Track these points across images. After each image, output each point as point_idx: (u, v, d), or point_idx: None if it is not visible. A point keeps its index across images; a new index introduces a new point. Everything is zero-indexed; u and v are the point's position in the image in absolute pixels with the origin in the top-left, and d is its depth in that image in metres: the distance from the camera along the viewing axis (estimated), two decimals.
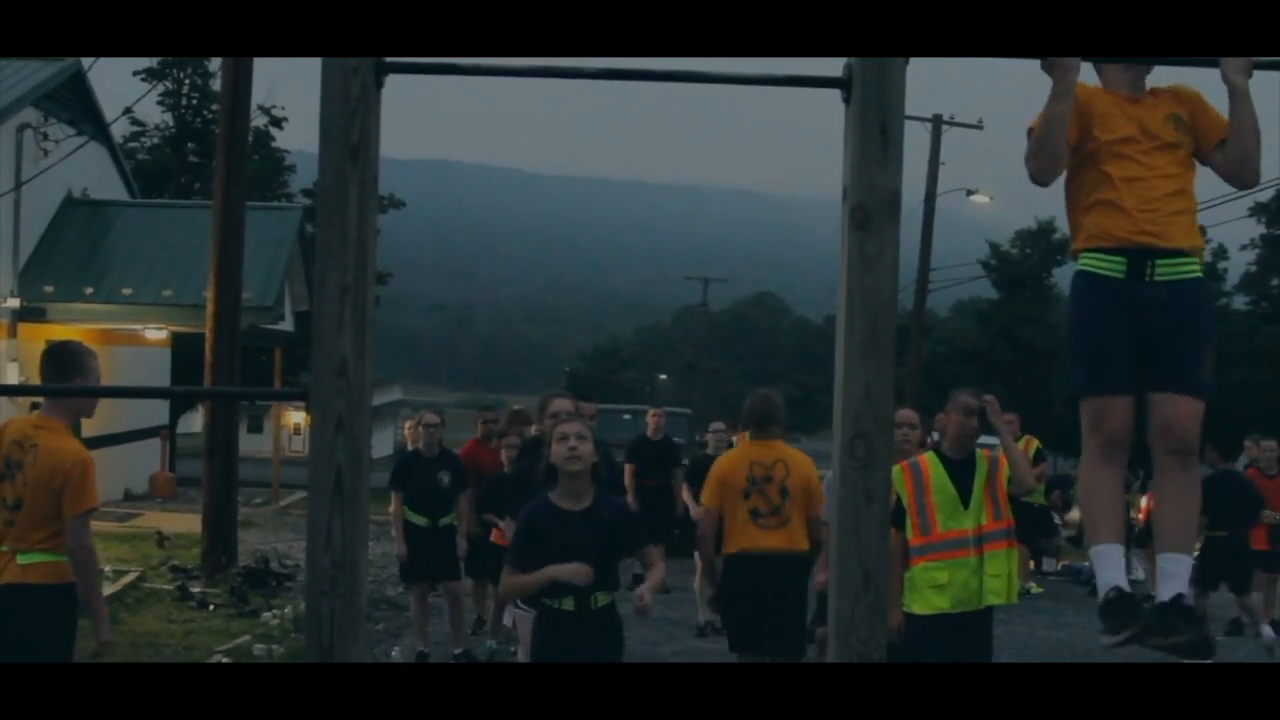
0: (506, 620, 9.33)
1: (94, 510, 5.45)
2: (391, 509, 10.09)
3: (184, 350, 22.36)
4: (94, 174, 21.97)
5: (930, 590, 6.71)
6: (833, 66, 3.25)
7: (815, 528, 7.47)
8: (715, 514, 7.57)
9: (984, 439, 7.00)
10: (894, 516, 5.98)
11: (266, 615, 11.35)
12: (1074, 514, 18.01)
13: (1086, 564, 16.98)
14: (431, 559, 10.01)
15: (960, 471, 6.81)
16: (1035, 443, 14.79)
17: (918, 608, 6.77)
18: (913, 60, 3.12)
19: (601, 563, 5.29)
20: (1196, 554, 11.77)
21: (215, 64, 29.24)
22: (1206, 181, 4.40)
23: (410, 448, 13.34)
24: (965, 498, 6.74)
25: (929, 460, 6.91)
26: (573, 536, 5.27)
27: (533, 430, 9.31)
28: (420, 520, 9.99)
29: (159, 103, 33.06)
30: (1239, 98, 3.78)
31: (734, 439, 12.41)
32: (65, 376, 5.40)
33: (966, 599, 6.66)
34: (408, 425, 14.58)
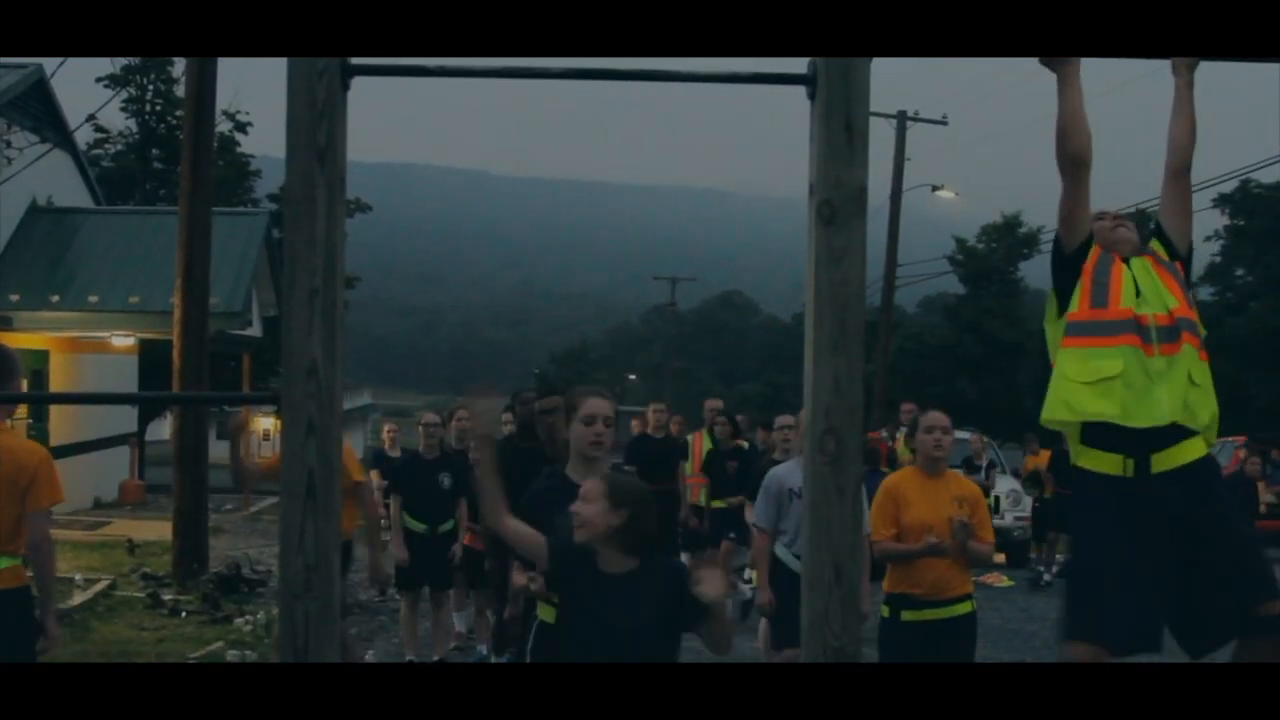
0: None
1: (59, 503, 5.45)
2: (390, 512, 9.79)
3: (151, 357, 22.20)
4: (58, 181, 21.78)
5: None
6: (798, 63, 3.27)
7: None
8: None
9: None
10: None
11: (239, 621, 11.29)
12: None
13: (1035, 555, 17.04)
14: (428, 567, 9.65)
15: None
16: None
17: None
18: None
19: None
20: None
21: (179, 69, 29.03)
22: None
23: (389, 451, 13.18)
24: None
25: None
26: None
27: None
28: (419, 527, 9.65)
29: (122, 109, 32.80)
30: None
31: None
32: (4, 381, 5.33)
33: None
34: (386, 429, 14.40)
